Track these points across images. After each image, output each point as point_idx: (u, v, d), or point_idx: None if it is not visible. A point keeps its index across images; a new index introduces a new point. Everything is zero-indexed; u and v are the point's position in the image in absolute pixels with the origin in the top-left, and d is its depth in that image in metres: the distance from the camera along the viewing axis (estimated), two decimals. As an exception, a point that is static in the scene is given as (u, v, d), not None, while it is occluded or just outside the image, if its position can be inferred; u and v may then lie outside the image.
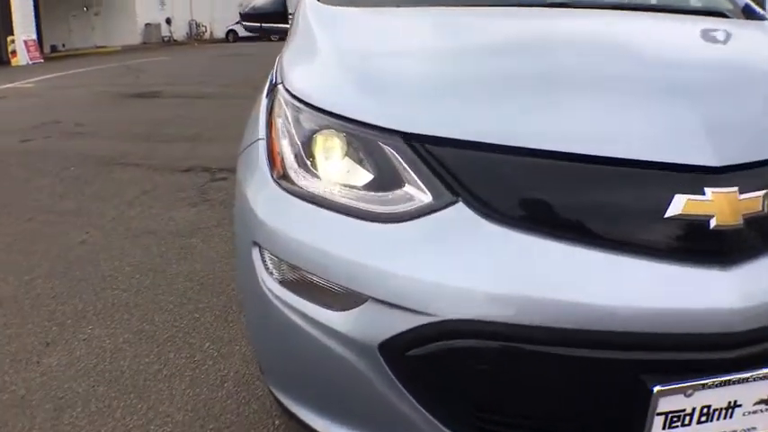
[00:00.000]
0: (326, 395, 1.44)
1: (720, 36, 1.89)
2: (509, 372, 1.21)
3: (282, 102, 1.55)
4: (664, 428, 1.19)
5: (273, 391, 1.60)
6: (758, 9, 2.23)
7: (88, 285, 3.26)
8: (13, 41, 21.13)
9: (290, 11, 2.56)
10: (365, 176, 1.34)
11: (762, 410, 1.21)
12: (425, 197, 1.27)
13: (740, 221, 1.17)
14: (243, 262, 1.55)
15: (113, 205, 4.61)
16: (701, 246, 1.18)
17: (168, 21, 34.05)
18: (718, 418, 1.20)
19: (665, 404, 1.17)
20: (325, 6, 2.10)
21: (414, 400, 1.28)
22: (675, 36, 1.78)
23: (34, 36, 22.13)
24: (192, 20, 36.41)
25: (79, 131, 7.76)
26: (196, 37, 36.14)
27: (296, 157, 1.43)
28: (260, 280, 1.44)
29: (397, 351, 1.24)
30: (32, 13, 22.59)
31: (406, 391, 1.27)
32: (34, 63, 21.05)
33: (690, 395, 1.17)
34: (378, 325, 1.24)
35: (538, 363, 1.19)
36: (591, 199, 1.23)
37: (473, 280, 1.19)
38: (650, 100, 1.33)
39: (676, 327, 1.15)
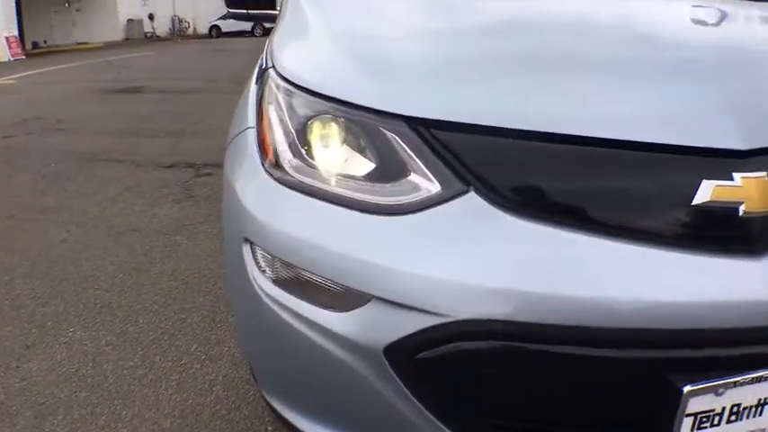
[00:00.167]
0: (324, 401, 1.34)
1: (742, 15, 1.80)
2: (527, 375, 1.12)
3: (274, 86, 1.44)
4: (693, 430, 1.12)
5: (266, 396, 1.50)
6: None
7: (69, 285, 3.16)
8: (-6, 38, 20.95)
9: (277, -4, 2.45)
10: (366, 165, 1.24)
11: None
12: (433, 186, 1.17)
13: None
14: (232, 260, 1.44)
15: (95, 202, 4.50)
16: (731, 234, 1.10)
17: (151, 16, 33.95)
18: (747, 417, 1.13)
19: (695, 404, 1.09)
20: None
21: (422, 407, 1.18)
22: (695, 15, 1.68)
23: (16, 32, 21.98)
24: (175, 15, 36.31)
25: (61, 128, 7.64)
26: (179, 33, 36.04)
27: (290, 145, 1.33)
28: (251, 279, 1.34)
29: (404, 355, 1.14)
30: (14, 10, 22.41)
31: (413, 398, 1.18)
32: (16, 60, 20.91)
33: (721, 394, 1.09)
34: (382, 327, 1.14)
35: (559, 365, 1.10)
36: (613, 186, 1.13)
37: (487, 276, 1.08)
38: (672, 82, 1.24)
39: (707, 321, 1.06)
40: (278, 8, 2.32)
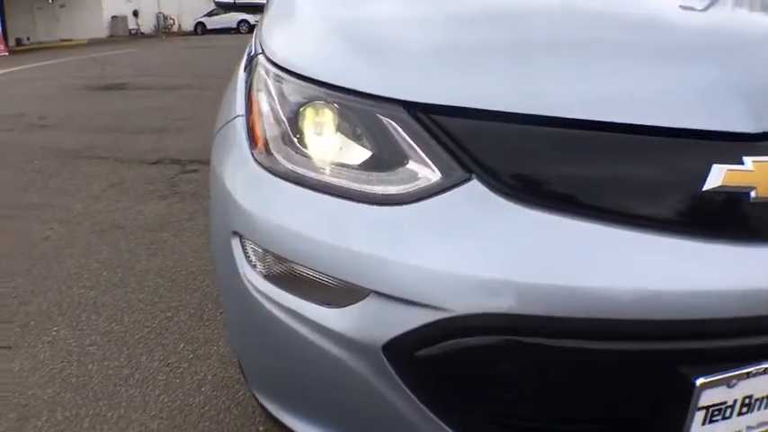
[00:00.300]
0: (318, 401, 1.29)
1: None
2: (534, 371, 1.07)
3: (263, 73, 1.38)
4: (704, 424, 1.07)
5: (257, 395, 1.45)
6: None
7: (53, 284, 3.08)
8: (-23, 35, 20.78)
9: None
10: (362, 153, 1.18)
11: None
12: (433, 175, 1.11)
13: None
14: (221, 255, 1.38)
15: (79, 199, 4.42)
16: (742, 221, 1.06)
17: (135, 13, 33.83)
18: (759, 408, 1.10)
19: (708, 397, 1.05)
20: None
21: (423, 406, 1.13)
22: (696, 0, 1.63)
23: (-1, 29, 21.76)
24: (160, 12, 36.17)
25: (44, 124, 7.55)
26: (164, 30, 35.88)
27: (281, 133, 1.26)
28: (241, 274, 1.27)
29: (404, 352, 1.08)
30: (-2, 6, 22.21)
31: (414, 396, 1.12)
32: (-1, 56, 20.70)
33: (733, 386, 1.05)
34: (381, 323, 1.08)
35: (568, 359, 1.05)
36: (621, 172, 1.08)
37: (492, 268, 1.03)
38: (679, 65, 1.19)
39: (718, 311, 1.02)
40: (266, -3, 2.26)
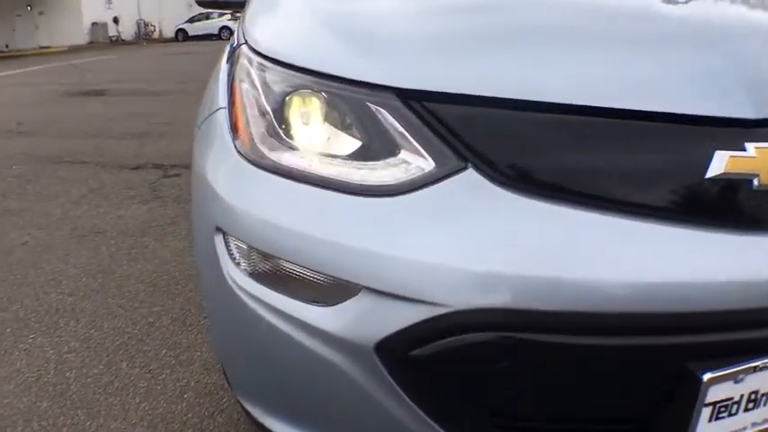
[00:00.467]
0: (307, 405, 1.23)
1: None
2: (535, 369, 1.02)
3: (246, 62, 1.32)
4: (710, 421, 1.04)
5: (242, 401, 1.39)
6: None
7: (30, 290, 3.00)
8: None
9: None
10: (351, 143, 1.12)
11: None
12: (426, 164, 1.06)
13: None
14: (203, 253, 1.31)
15: (58, 204, 4.32)
16: (746, 209, 1.02)
17: (116, 20, 33.65)
18: (765, 404, 1.07)
19: (714, 393, 1.01)
20: None
21: (418, 409, 1.08)
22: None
23: (-24, 37, 21.58)
24: (141, 19, 36.03)
25: (22, 131, 7.41)
26: (145, 36, 35.74)
27: (265, 124, 1.21)
28: (225, 273, 1.21)
29: (397, 351, 1.03)
30: (-26, 14, 22.04)
31: (408, 399, 1.07)
32: (-24, 64, 20.47)
33: (740, 381, 1.02)
34: (373, 321, 1.03)
35: (572, 357, 1.00)
36: (622, 160, 1.04)
37: (490, 261, 0.98)
38: (679, 51, 1.15)
39: (724, 303, 0.98)
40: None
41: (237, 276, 1.19)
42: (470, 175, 1.03)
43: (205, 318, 2.53)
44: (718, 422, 1.05)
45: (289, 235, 1.09)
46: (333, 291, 1.06)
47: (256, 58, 1.29)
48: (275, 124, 1.19)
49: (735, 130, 1.02)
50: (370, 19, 1.32)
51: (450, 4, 1.39)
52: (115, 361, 2.36)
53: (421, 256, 1.00)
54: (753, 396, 1.05)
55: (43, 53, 25.00)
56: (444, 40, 1.20)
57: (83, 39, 30.92)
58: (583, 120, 1.04)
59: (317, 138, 1.16)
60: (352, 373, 1.08)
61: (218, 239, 1.23)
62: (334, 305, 1.06)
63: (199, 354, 2.38)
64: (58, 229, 3.84)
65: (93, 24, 32.06)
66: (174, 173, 5.04)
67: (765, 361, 1.02)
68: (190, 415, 2.02)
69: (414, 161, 1.07)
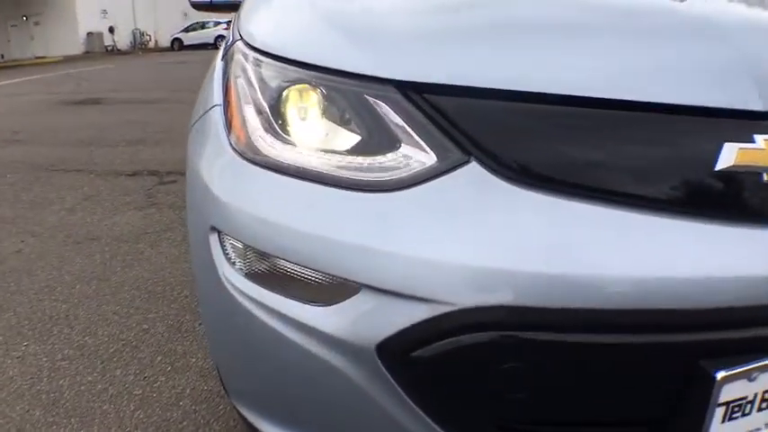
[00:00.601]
0: (306, 410, 1.18)
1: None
2: (543, 369, 0.98)
3: (241, 57, 1.29)
4: (724, 422, 1.00)
5: (237, 406, 1.35)
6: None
7: (23, 297, 2.96)
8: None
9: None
10: (350, 138, 1.09)
11: None
12: (428, 158, 1.02)
13: None
14: (198, 254, 1.28)
15: (53, 212, 4.29)
16: (756, 202, 0.99)
17: (111, 29, 33.67)
18: None
19: (728, 392, 0.98)
20: None
21: (422, 413, 1.04)
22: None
23: (-29, 47, 21.59)
24: (136, 28, 36.07)
25: (17, 139, 7.38)
26: (140, 46, 35.77)
27: (261, 120, 1.17)
28: (220, 274, 1.17)
29: (399, 352, 0.99)
30: (-31, 24, 22.05)
31: (411, 402, 1.03)
32: (-29, 74, 20.46)
33: (754, 379, 0.98)
34: (375, 320, 0.99)
35: (582, 356, 0.97)
36: (630, 152, 1.01)
37: (496, 257, 0.94)
38: (687, 42, 1.12)
39: (736, 298, 0.95)
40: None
41: (233, 277, 1.16)
42: (474, 168, 1.00)
43: (201, 324, 2.49)
44: (732, 422, 1.01)
45: (285, 233, 1.06)
46: (331, 290, 1.03)
47: (252, 53, 1.26)
48: (272, 120, 1.16)
49: (744, 122, 1.00)
50: (368, 12, 1.29)
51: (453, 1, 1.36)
52: (110, 368, 2.31)
53: (423, 253, 0.96)
54: (766, 395, 1.01)
55: (39, 63, 25.01)
56: (444, 32, 1.17)
57: (78, 48, 30.94)
58: (589, 111, 1.01)
59: (314, 133, 1.13)
60: (352, 376, 1.04)
61: (214, 239, 1.19)
62: (332, 305, 1.03)
63: (194, 360, 2.33)
64: (53, 236, 3.80)
65: (89, 34, 32.08)
66: (170, 179, 5.00)
67: None
68: (185, 423, 1.98)
69: (415, 155, 1.04)
